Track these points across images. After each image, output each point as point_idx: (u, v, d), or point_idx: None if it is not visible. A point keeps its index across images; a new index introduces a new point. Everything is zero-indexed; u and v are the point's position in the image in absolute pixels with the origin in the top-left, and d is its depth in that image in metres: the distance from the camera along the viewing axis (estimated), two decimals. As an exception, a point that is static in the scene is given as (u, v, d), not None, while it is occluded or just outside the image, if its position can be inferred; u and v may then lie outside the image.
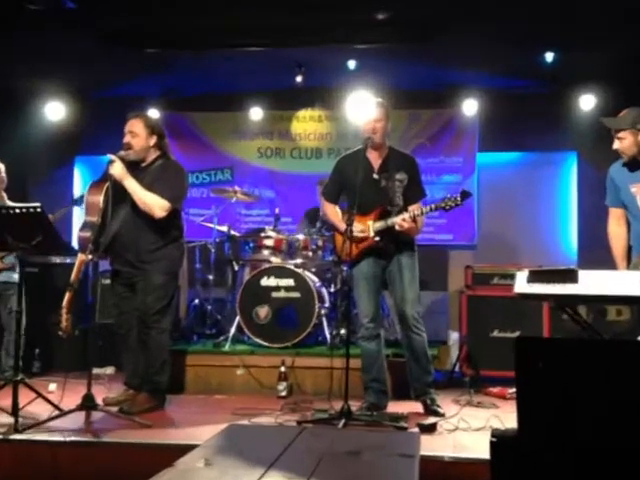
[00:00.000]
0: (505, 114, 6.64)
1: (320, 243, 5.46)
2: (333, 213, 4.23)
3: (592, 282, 2.79)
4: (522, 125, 6.67)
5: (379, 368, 4.11)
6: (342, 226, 4.02)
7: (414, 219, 3.90)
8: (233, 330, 5.15)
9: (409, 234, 4.02)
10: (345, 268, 5.20)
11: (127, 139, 4.11)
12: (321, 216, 4.50)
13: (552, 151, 6.81)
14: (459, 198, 3.80)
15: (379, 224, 3.99)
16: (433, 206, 3.89)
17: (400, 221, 3.89)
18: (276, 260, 5.41)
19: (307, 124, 7.26)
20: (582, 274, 2.82)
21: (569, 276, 2.82)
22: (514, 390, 2.38)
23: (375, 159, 4.11)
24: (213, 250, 5.86)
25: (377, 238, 4.00)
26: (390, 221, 3.95)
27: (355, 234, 3.94)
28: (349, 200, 4.10)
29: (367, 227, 4.02)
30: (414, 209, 3.93)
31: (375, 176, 4.08)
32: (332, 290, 5.46)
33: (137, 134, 4.11)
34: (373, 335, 4.08)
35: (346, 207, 4.15)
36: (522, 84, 6.53)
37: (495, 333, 5.08)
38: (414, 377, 4.12)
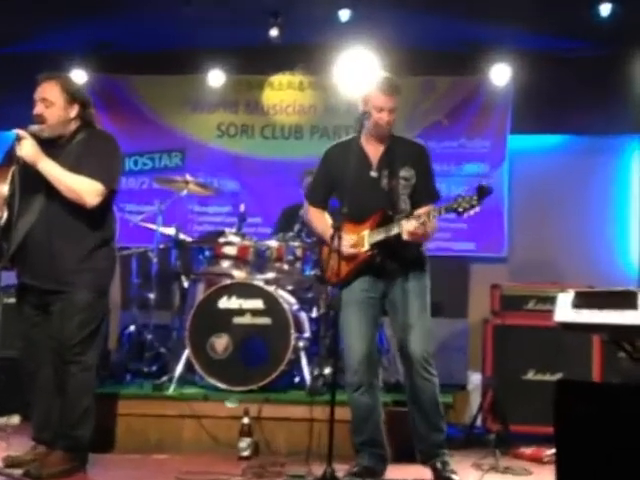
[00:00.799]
0: (546, 84, 6.69)
1: (299, 253, 5.46)
2: (319, 220, 4.24)
3: (658, 309, 2.82)
4: (568, 99, 6.73)
5: (374, 427, 4.10)
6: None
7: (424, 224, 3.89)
8: (180, 368, 5.12)
9: (416, 242, 4.02)
10: (331, 287, 5.22)
11: (39, 109, 4.07)
12: (306, 222, 4.49)
13: (607, 134, 6.87)
14: (475, 197, 3.70)
15: (377, 235, 4.00)
16: (442, 208, 3.84)
17: (410, 228, 3.87)
18: (240, 275, 5.39)
19: (284, 93, 7.27)
20: (644, 298, 2.85)
21: (627, 300, 2.85)
22: (553, 451, 2.39)
23: (374, 151, 4.12)
24: (155, 260, 5.83)
25: (372, 252, 3.99)
26: (392, 230, 3.95)
27: (345, 249, 3.94)
28: (340, 204, 4.11)
29: (361, 239, 4.03)
30: (423, 212, 3.92)
31: (373, 173, 4.08)
32: (314, 315, 5.46)
33: (52, 102, 4.08)
34: (365, 384, 4.07)
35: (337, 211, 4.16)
36: (569, 45, 6.59)
37: (530, 375, 5.11)
38: (420, 436, 4.10)
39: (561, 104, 6.76)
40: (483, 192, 3.68)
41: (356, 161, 4.00)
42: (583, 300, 2.94)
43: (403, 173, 4.04)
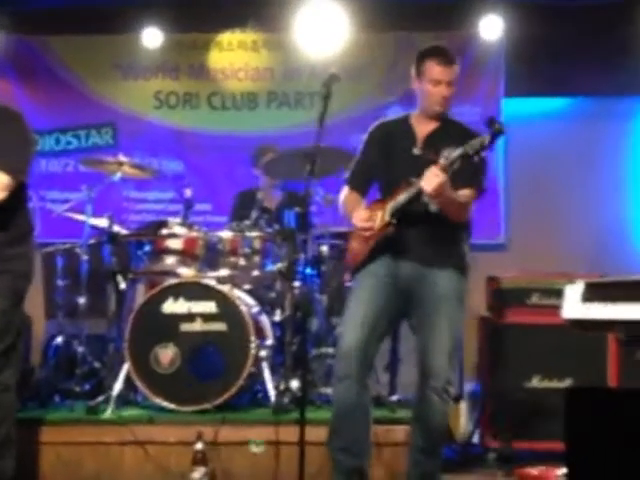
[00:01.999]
0: (544, 39, 6.74)
1: (257, 245, 5.45)
2: (352, 201, 4.29)
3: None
4: (571, 56, 6.79)
5: (356, 431, 4.11)
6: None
7: (447, 169, 3.85)
8: (119, 385, 5.09)
9: (451, 215, 4.04)
10: (298, 284, 5.24)
11: None
12: (339, 208, 4.50)
13: (619, 95, 6.94)
14: (486, 138, 3.79)
15: (398, 201, 4.04)
16: (454, 155, 3.84)
17: (429, 174, 3.87)
18: (187, 272, 5.38)
19: (234, 54, 7.25)
20: (666, 288, 2.89)
21: (646, 291, 2.88)
22: (564, 471, 2.43)
23: (423, 129, 4.20)
24: (85, 257, 5.78)
25: (391, 221, 4.03)
26: (413, 190, 3.97)
27: (360, 224, 4.05)
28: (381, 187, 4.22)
29: (383, 212, 4.09)
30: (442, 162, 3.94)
31: (416, 151, 4.16)
32: (277, 319, 5.46)
33: None
34: (354, 376, 4.09)
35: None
36: (571, -8, 6.66)
37: (534, 382, 5.16)
38: (414, 460, 4.15)
39: (562, 62, 6.81)
40: (496, 128, 3.74)
41: (401, 139, 4.13)
42: (594, 292, 2.97)
43: (446, 152, 4.07)
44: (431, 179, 3.83)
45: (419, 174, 3.98)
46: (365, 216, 4.09)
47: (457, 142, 4.09)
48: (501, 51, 6.96)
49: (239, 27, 7.16)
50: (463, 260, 4.19)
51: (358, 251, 4.16)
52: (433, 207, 4.03)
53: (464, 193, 4.02)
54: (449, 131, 4.18)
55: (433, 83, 4.09)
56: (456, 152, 3.85)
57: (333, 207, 5.34)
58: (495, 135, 3.77)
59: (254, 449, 4.65)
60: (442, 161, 3.87)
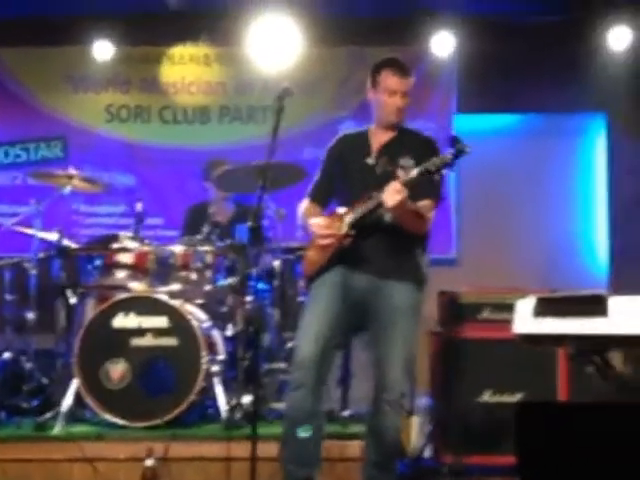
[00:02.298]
0: (496, 56, 6.81)
1: (209, 259, 5.44)
2: (310, 213, 4.29)
3: (630, 315, 2.89)
4: (522, 73, 6.86)
5: (308, 440, 4.09)
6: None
7: (409, 185, 3.87)
8: (68, 402, 5.04)
9: (410, 228, 4.06)
10: (250, 299, 5.23)
11: None
12: (299, 221, 4.50)
13: (568, 112, 7.03)
14: (448, 157, 3.81)
15: (356, 213, 4.06)
16: (415, 172, 3.85)
17: (390, 188, 3.88)
18: (138, 287, 5.35)
19: (186, 68, 7.24)
20: (615, 303, 2.92)
21: (595, 306, 2.91)
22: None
23: (378, 139, 4.24)
24: (34, 272, 5.73)
25: (348, 233, 4.04)
26: (372, 202, 3.98)
27: (319, 233, 4.07)
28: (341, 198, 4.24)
29: (341, 223, 4.10)
30: (402, 176, 3.94)
31: (370, 160, 4.19)
32: (229, 334, 5.45)
33: None
34: (308, 385, 4.07)
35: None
36: (522, 9, 6.72)
37: (486, 397, 5.18)
38: (368, 475, 4.15)
39: (513, 78, 6.90)
40: (459, 148, 3.77)
41: (356, 150, 4.18)
42: (545, 307, 2.99)
43: (403, 162, 4.11)
44: (393, 195, 3.86)
45: (375, 184, 4.02)
46: (324, 223, 4.11)
47: (412, 151, 4.15)
48: (453, 67, 7.03)
49: (191, 41, 7.16)
50: (420, 272, 4.20)
51: (314, 260, 4.17)
52: (387, 218, 4.06)
53: (423, 204, 4.05)
54: (404, 140, 4.22)
55: (388, 93, 4.13)
56: (417, 170, 3.88)
57: (285, 221, 5.36)
58: (458, 154, 3.81)
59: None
60: (403, 176, 3.89)
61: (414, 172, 3.89)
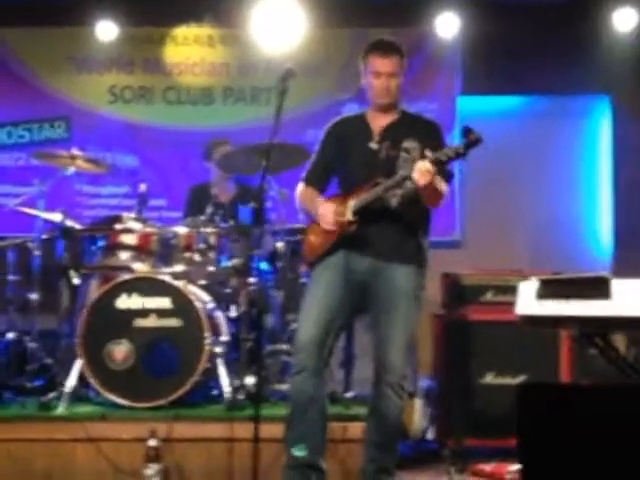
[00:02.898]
0: (501, 37, 6.79)
1: (212, 240, 5.43)
2: (309, 196, 4.30)
3: (633, 297, 2.90)
4: (527, 54, 6.84)
5: (312, 423, 4.13)
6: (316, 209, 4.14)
7: (436, 163, 3.85)
8: (72, 382, 5.04)
9: (431, 204, 4.09)
10: (253, 280, 5.23)
11: None
12: (297, 206, 4.51)
13: (573, 94, 7.01)
14: (461, 147, 3.84)
15: (363, 200, 4.06)
16: (432, 157, 3.84)
17: (422, 166, 3.86)
18: (142, 268, 5.35)
19: (190, 49, 7.23)
20: (618, 285, 2.92)
21: (598, 288, 2.91)
22: (517, 467, 2.45)
23: (378, 123, 4.23)
24: (37, 252, 5.74)
25: (354, 220, 4.05)
26: (380, 187, 4.01)
27: (325, 221, 4.07)
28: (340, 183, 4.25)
29: (345, 209, 4.10)
30: (429, 155, 3.94)
31: (373, 145, 4.18)
32: (233, 315, 5.45)
33: None
34: (310, 368, 4.10)
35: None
36: (527, -9, 6.71)
37: (488, 379, 5.19)
38: (369, 456, 4.17)
39: (518, 60, 6.87)
40: (471, 138, 3.78)
41: (357, 134, 4.18)
42: (548, 289, 2.99)
43: (406, 144, 4.12)
44: (424, 174, 3.86)
45: (378, 168, 4.04)
46: (332, 209, 4.10)
47: (415, 133, 4.15)
48: (457, 49, 7.01)
49: (195, 21, 7.15)
50: (421, 254, 4.21)
51: (316, 245, 4.18)
52: (394, 203, 4.07)
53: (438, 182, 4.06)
54: (405, 123, 4.22)
55: (374, 75, 4.14)
56: (430, 159, 3.88)
57: (289, 202, 5.35)
58: (470, 145, 3.81)
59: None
60: (430, 154, 3.89)
61: (436, 154, 3.90)
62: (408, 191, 4.05)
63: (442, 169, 4.03)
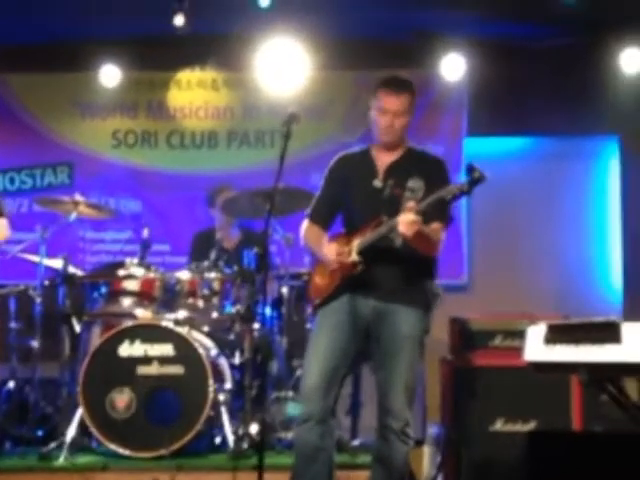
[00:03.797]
0: (508, 78, 6.82)
1: (216, 286, 5.44)
2: (314, 235, 4.30)
3: (645, 342, 2.88)
4: (534, 96, 6.86)
5: (318, 475, 4.07)
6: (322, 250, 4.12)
7: (422, 213, 3.87)
8: (73, 431, 5.05)
9: (423, 251, 4.05)
10: (257, 326, 5.22)
11: None
12: (302, 244, 4.51)
13: (580, 135, 7.02)
14: (465, 186, 3.82)
15: (366, 240, 4.05)
16: (431, 200, 3.85)
17: (405, 219, 3.88)
18: (144, 314, 5.35)
19: (194, 93, 7.26)
20: (629, 329, 2.90)
21: (609, 333, 2.90)
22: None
23: (383, 160, 4.22)
24: (39, 299, 5.74)
25: (358, 260, 4.04)
26: (383, 229, 3.99)
27: (329, 258, 4.06)
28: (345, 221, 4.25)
29: (350, 249, 4.09)
30: (413, 202, 3.94)
31: (377, 183, 4.17)
32: (237, 362, 5.43)
33: None
34: (316, 417, 4.06)
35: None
36: (533, 32, 6.73)
37: (498, 426, 5.15)
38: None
39: (525, 101, 6.89)
40: (475, 177, 3.78)
41: (361, 171, 4.18)
42: (557, 334, 2.98)
43: (411, 184, 4.10)
44: (409, 226, 3.84)
45: (383, 207, 4.03)
46: (339, 250, 4.07)
47: (420, 171, 4.12)
48: (463, 90, 7.02)
49: (199, 65, 7.18)
50: (427, 297, 4.18)
51: (322, 286, 4.16)
52: (398, 242, 4.04)
53: (434, 227, 4.04)
54: (411, 160, 4.20)
55: (380, 111, 4.12)
56: (433, 197, 3.87)
57: (293, 247, 5.35)
58: (474, 183, 3.81)
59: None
60: (414, 202, 3.88)
61: (429, 200, 3.89)
62: None
63: (443, 209, 4.03)
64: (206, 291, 5.43)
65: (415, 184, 4.12)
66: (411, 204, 3.89)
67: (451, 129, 7.08)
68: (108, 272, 5.63)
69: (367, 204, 4.14)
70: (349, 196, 4.18)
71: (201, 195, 6.55)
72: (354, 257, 4.06)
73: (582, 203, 7.05)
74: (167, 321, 5.24)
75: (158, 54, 6.97)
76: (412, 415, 4.12)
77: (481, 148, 7.06)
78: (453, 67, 6.92)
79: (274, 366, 5.50)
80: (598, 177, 7.12)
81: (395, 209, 4.05)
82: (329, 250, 4.11)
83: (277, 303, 5.51)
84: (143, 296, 5.44)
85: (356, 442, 5.23)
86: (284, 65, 6.54)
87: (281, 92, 6.76)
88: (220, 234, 5.74)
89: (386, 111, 4.12)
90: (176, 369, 5.06)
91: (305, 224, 4.36)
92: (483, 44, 6.82)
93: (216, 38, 6.82)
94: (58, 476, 4.81)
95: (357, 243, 4.08)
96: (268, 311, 5.41)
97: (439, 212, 4.07)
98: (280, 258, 5.67)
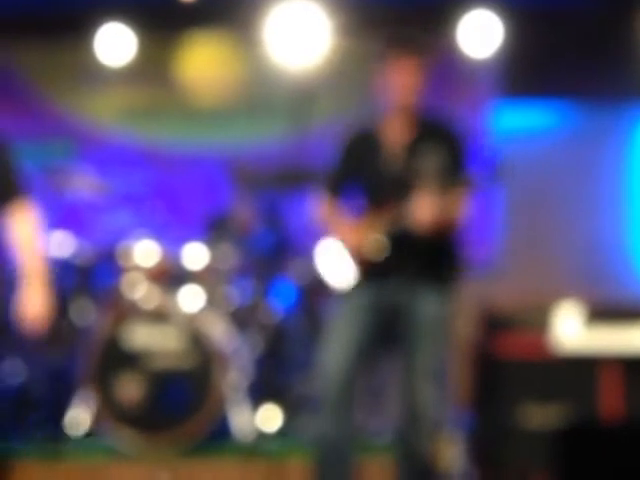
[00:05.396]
0: (540, 47, 6.79)
1: (232, 270, 5.46)
2: (331, 215, 4.33)
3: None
4: (569, 58, 6.84)
5: (339, 463, 4.13)
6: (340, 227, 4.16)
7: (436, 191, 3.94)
8: (79, 424, 5.11)
9: (446, 230, 4.09)
10: (274, 315, 5.23)
11: None
12: (316, 220, 4.53)
13: (620, 102, 6.98)
14: (477, 181, 3.96)
15: (385, 225, 4.09)
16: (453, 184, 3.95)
17: (421, 202, 3.92)
18: (155, 302, 5.38)
19: (205, 65, 7.25)
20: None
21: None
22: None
23: (395, 132, 4.22)
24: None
25: (378, 246, 4.07)
26: (402, 213, 4.03)
27: (348, 244, 4.11)
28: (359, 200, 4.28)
29: (369, 233, 4.13)
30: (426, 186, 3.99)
31: (388, 165, 4.21)
32: (252, 352, 5.45)
33: None
34: (335, 410, 4.11)
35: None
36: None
37: (527, 414, 5.16)
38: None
39: (557, 70, 6.86)
40: (496, 170, 3.79)
41: (373, 152, 4.21)
42: (594, 320, 2.98)
43: (424, 163, 4.12)
44: (425, 211, 3.89)
45: (396, 190, 4.07)
46: (359, 238, 4.12)
47: (435, 149, 4.13)
48: (495, 55, 6.98)
49: (212, 34, 7.17)
50: (450, 280, 4.21)
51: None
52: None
53: (453, 198, 4.04)
54: (424, 138, 4.21)
55: (392, 74, 4.14)
56: (457, 182, 3.90)
57: (312, 230, 5.35)
58: (492, 179, 3.82)
59: None
60: (428, 184, 3.89)
61: (437, 180, 3.90)
62: None
63: (453, 169, 4.06)
64: (221, 275, 5.45)
65: (429, 163, 4.11)
66: (425, 188, 3.91)
67: (477, 95, 7.06)
68: (117, 256, 5.64)
69: (380, 187, 4.16)
70: (360, 175, 4.21)
71: (214, 174, 6.55)
72: (373, 243, 4.07)
73: (619, 178, 7.03)
74: (179, 306, 5.26)
75: (169, 23, 6.96)
76: (439, 401, 4.15)
77: (513, 123, 7.04)
78: (483, 29, 6.87)
79: (291, 355, 5.52)
80: (636, 150, 7.09)
81: (409, 191, 4.06)
82: (348, 240, 4.13)
83: (296, 288, 5.52)
84: (153, 279, 5.46)
85: (375, 433, 5.25)
86: (301, 35, 6.52)
87: (299, 65, 6.72)
88: (236, 216, 5.74)
89: (399, 72, 4.11)
90: (188, 356, 5.08)
91: (319, 200, 4.37)
92: (514, 7, 6.81)
93: (229, 4, 6.82)
94: (63, 467, 4.92)
95: (375, 228, 4.10)
96: (284, 299, 5.43)
97: (458, 175, 4.12)
98: (298, 242, 5.67)
